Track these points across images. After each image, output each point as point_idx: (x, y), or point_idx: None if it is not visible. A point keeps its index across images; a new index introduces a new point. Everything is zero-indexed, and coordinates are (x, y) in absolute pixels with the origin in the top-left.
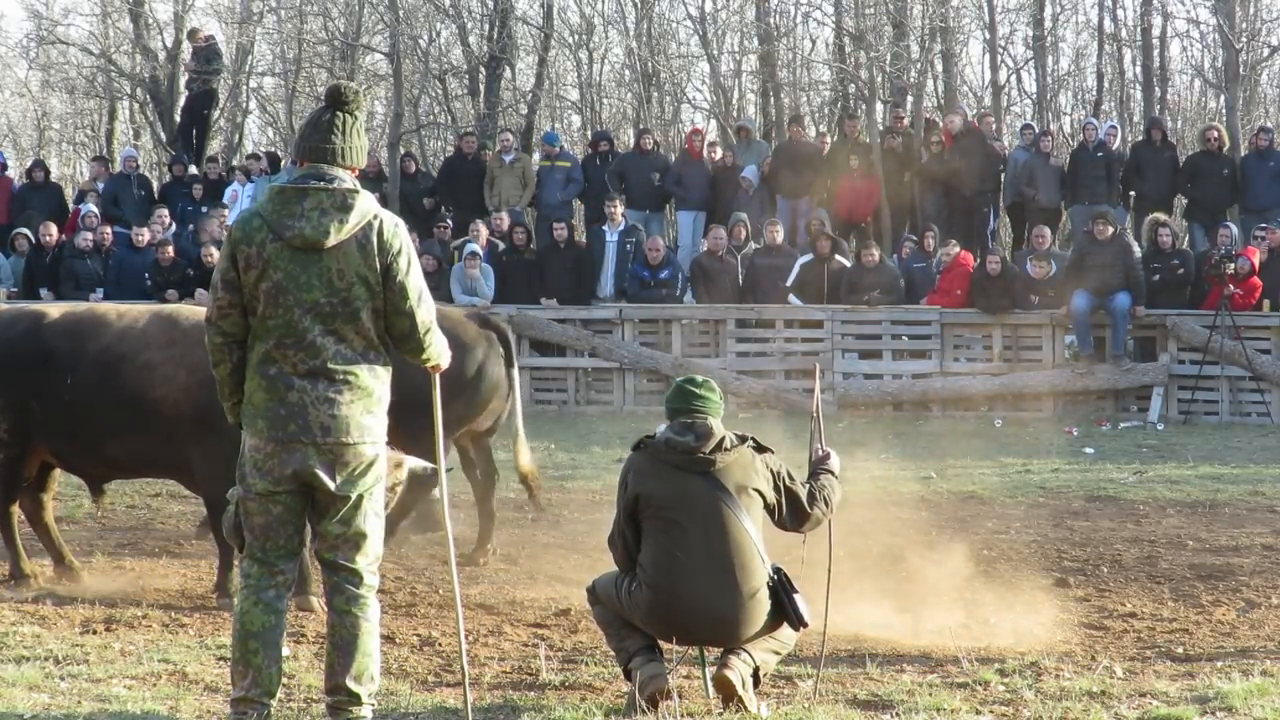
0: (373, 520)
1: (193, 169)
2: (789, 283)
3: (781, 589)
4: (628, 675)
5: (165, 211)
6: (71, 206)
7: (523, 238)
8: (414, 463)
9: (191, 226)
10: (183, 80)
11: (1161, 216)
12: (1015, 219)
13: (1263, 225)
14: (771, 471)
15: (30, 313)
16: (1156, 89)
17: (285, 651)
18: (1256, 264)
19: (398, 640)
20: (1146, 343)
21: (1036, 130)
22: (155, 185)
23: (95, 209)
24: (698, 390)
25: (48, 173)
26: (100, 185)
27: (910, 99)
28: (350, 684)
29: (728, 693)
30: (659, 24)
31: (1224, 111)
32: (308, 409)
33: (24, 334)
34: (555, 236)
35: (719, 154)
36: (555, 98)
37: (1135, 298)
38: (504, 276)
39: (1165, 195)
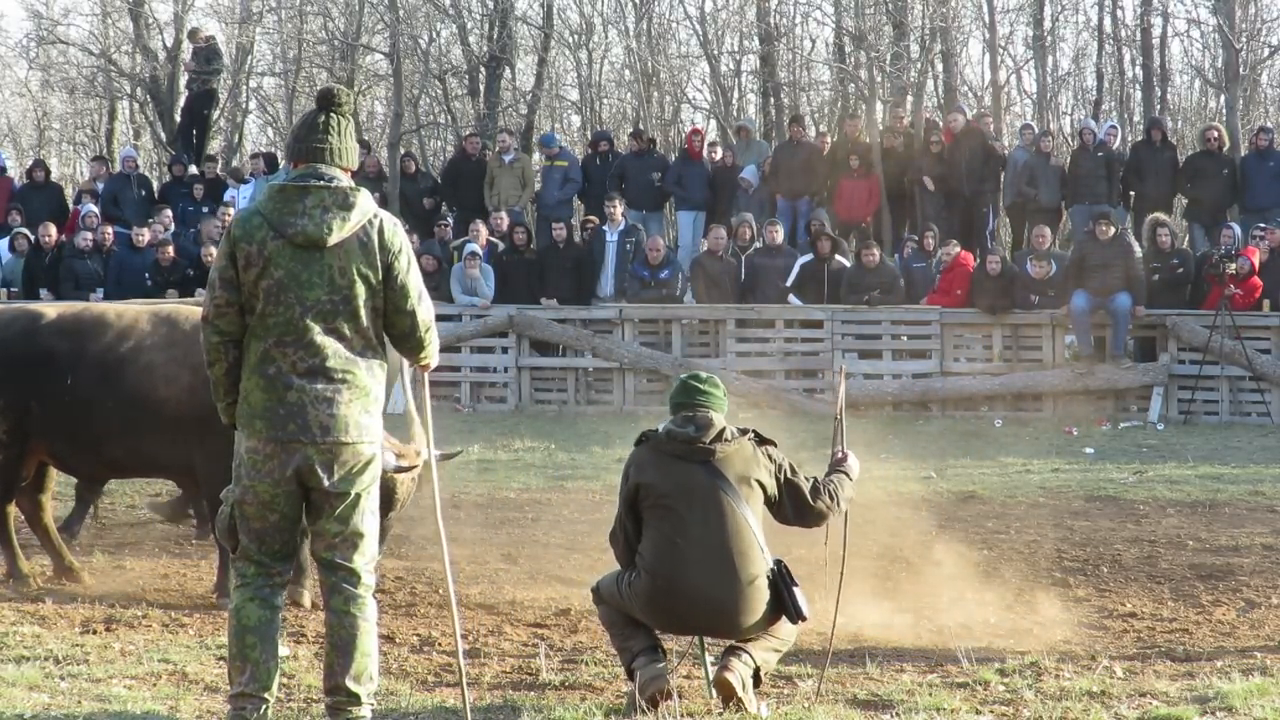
0: (370, 520)
1: (193, 169)
2: (789, 283)
3: (781, 581)
4: (630, 675)
5: (169, 212)
6: (71, 206)
7: (523, 238)
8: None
9: (194, 229)
10: (183, 80)
11: (1161, 216)
12: (1015, 219)
13: (1262, 225)
14: (773, 463)
15: (28, 313)
16: (1156, 89)
17: (285, 651)
18: (1257, 264)
19: (398, 640)
20: (1146, 343)
21: (1036, 130)
22: (155, 185)
23: (95, 209)
24: (701, 385)
25: (48, 172)
26: (100, 185)
27: (910, 99)
28: (349, 684)
29: (727, 694)
30: (659, 24)
31: (1224, 111)
32: (307, 408)
33: (22, 334)
34: (555, 236)
35: (719, 154)
36: (555, 98)
37: (1135, 298)
38: (504, 276)
39: (1165, 195)
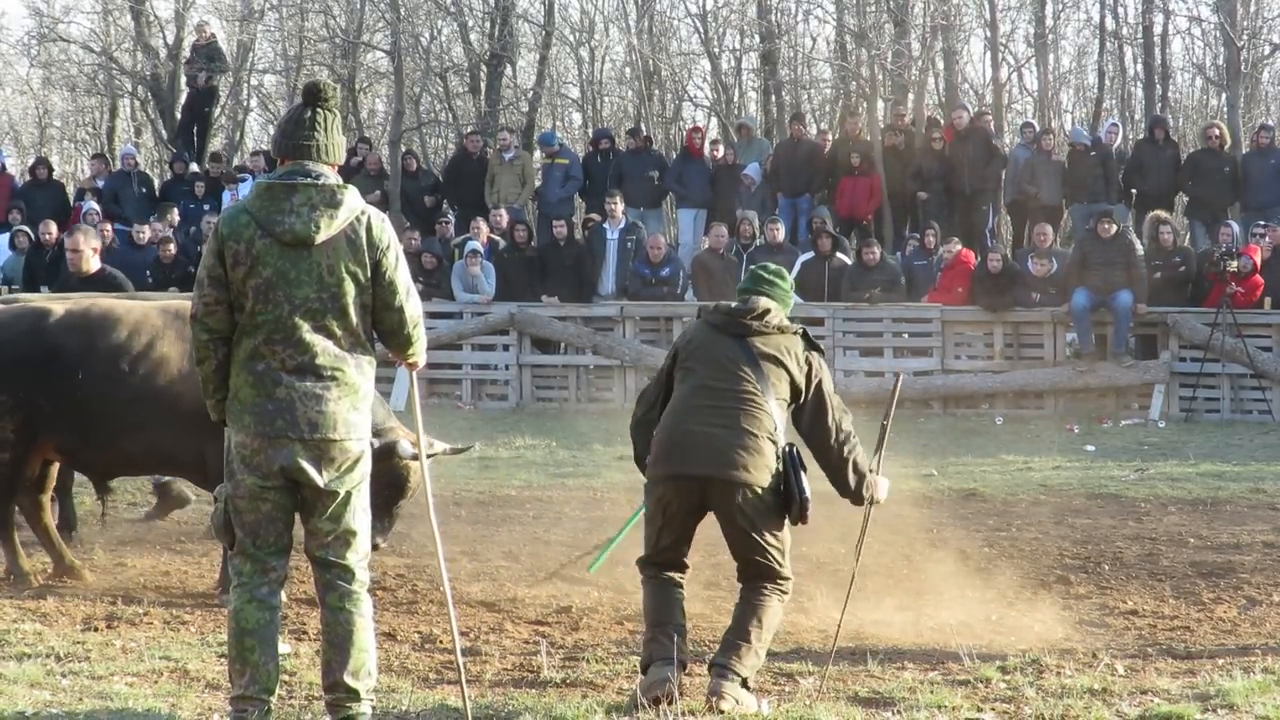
0: (361, 516)
1: (194, 166)
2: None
3: (790, 463)
4: (642, 670)
5: (176, 209)
6: (73, 204)
7: (524, 235)
8: (440, 445)
9: (195, 227)
10: (183, 78)
11: (1163, 214)
12: (1016, 217)
13: (1263, 223)
14: (809, 365)
15: (34, 309)
16: (1158, 87)
17: (286, 649)
18: (1258, 262)
19: (399, 637)
20: (1148, 340)
21: (1038, 128)
22: (157, 183)
23: (96, 206)
24: (767, 275)
25: (51, 170)
26: (100, 183)
27: (911, 96)
28: (348, 680)
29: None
30: (660, 21)
31: (1225, 109)
32: (295, 405)
33: (29, 331)
34: (556, 234)
35: (720, 152)
36: (556, 95)
37: (1137, 296)
38: (505, 274)
39: (1166, 193)
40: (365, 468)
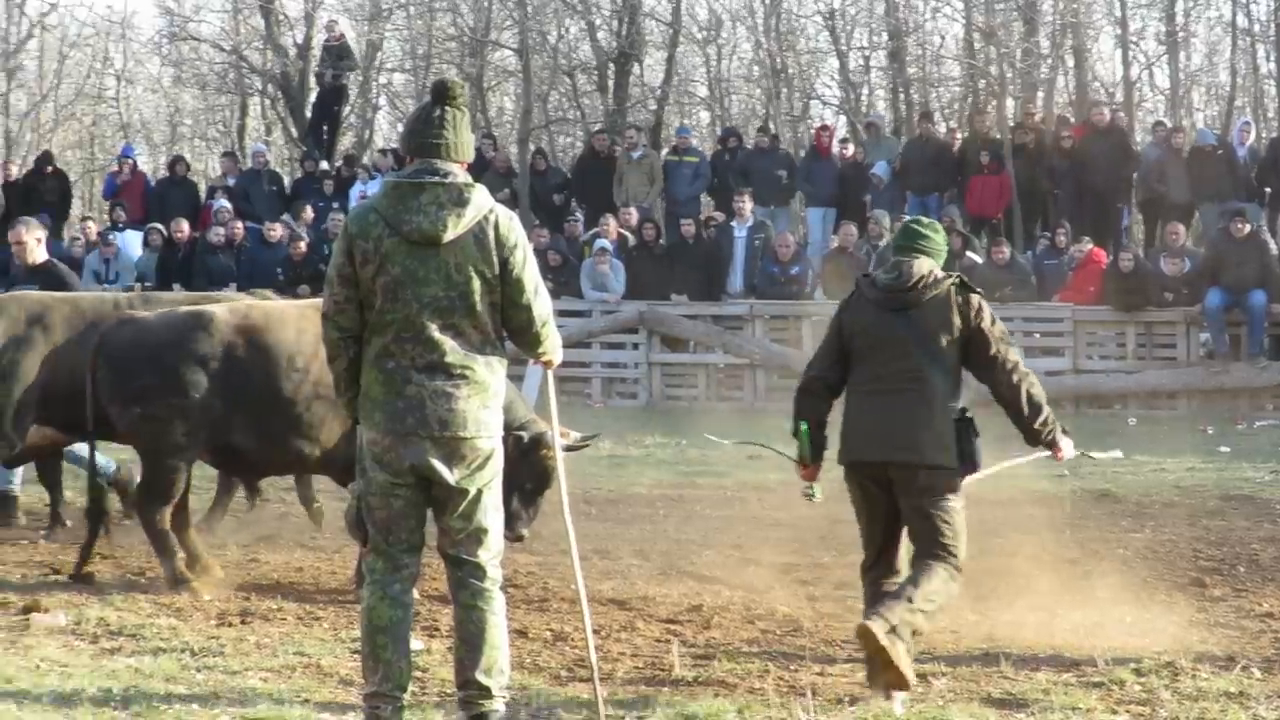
0: (493, 514)
1: (323, 165)
2: None
3: (964, 430)
4: None
5: (309, 207)
6: (203, 202)
7: (652, 233)
8: (573, 435)
9: (323, 225)
10: (312, 76)
11: None
12: (1148, 216)
13: None
14: (968, 308)
15: (204, 312)
16: None
17: (419, 646)
18: None
19: (530, 635)
20: None
21: (1169, 126)
22: (286, 181)
23: (227, 204)
24: (921, 229)
25: (188, 168)
26: (231, 181)
27: (1041, 95)
28: (480, 677)
29: (872, 647)
30: (788, 19)
31: None
32: (425, 403)
33: (200, 333)
34: (684, 232)
35: (849, 150)
36: (684, 94)
37: (1271, 295)
38: (634, 272)
39: None
40: (497, 465)
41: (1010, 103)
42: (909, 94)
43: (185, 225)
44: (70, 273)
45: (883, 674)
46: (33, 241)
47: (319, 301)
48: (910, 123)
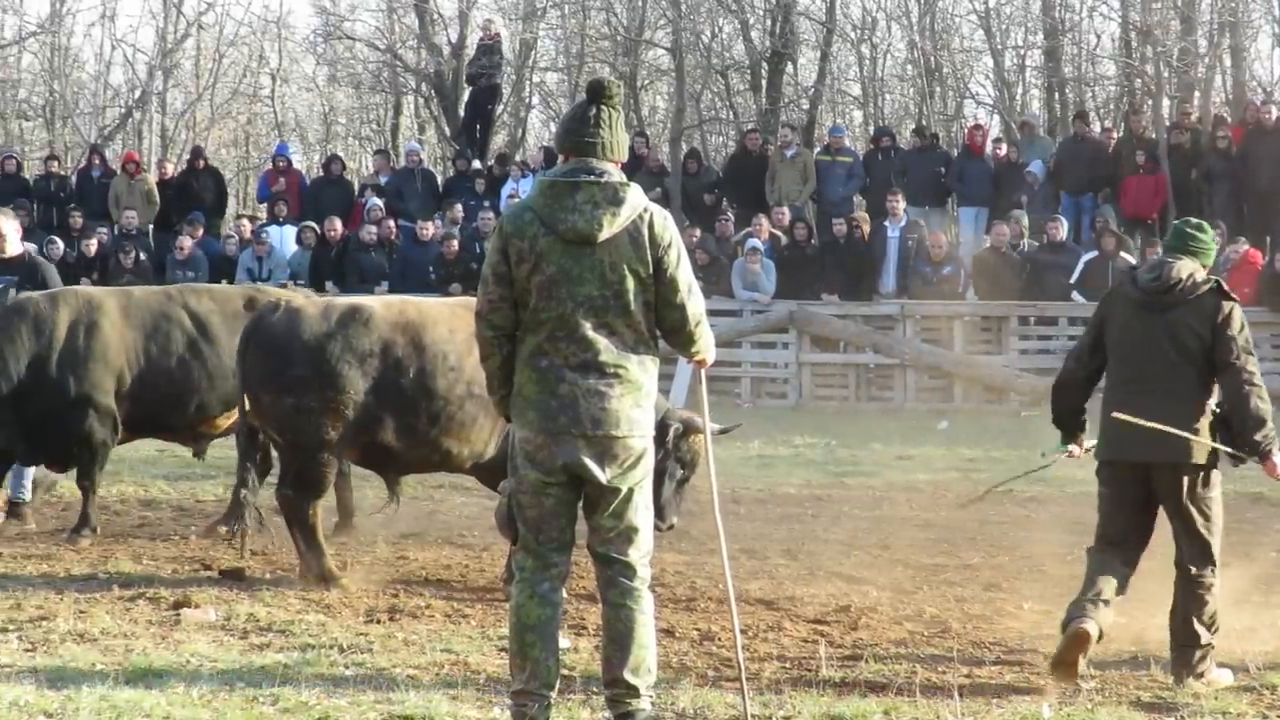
0: (644, 513)
1: (475, 164)
2: (1073, 279)
3: (1220, 421)
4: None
5: (459, 206)
6: (356, 200)
7: (804, 233)
8: (714, 426)
9: (474, 224)
10: (465, 75)
11: None
12: None
13: None
14: (1218, 314)
15: (359, 306)
16: None
17: (566, 644)
18: None
19: (677, 635)
20: None
21: None
22: (439, 179)
23: (379, 203)
24: (1190, 230)
25: (344, 166)
26: (384, 179)
27: (1197, 94)
28: (628, 676)
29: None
30: (942, 18)
31: None
32: (578, 401)
33: (360, 328)
34: (835, 232)
35: (1002, 150)
36: (837, 93)
37: None
38: (785, 272)
39: None
40: (648, 465)
41: (1166, 102)
42: (1064, 93)
43: (339, 223)
44: (49, 265)
45: (1059, 670)
46: (10, 232)
47: (469, 300)
48: (1065, 122)
